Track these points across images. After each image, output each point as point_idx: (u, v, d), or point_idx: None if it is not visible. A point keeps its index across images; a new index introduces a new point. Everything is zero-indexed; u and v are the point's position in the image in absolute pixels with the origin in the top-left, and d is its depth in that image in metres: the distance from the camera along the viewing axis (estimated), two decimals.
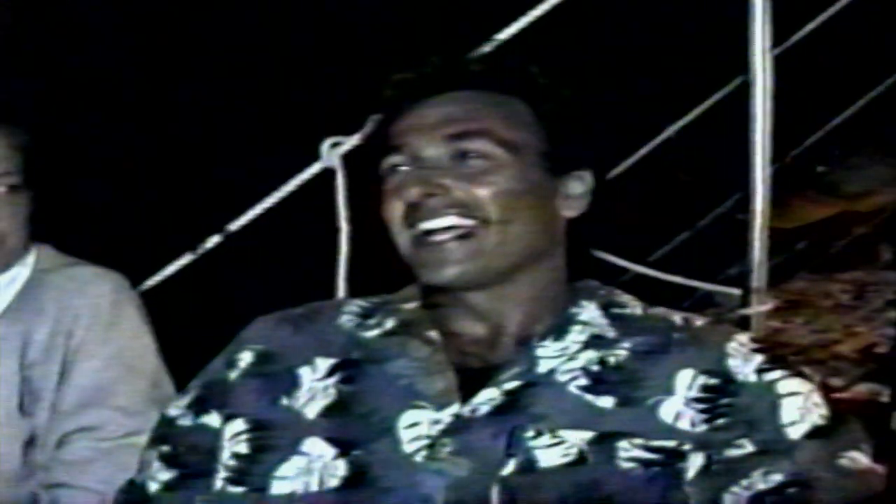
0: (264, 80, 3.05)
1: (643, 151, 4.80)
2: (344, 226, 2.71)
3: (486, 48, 2.63)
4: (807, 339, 6.20)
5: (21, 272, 2.41)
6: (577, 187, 1.78)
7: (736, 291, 3.02)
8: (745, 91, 2.96)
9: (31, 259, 2.43)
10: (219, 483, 1.74)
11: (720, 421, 1.64)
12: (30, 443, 2.30)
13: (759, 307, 2.87)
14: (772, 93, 2.87)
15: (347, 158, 2.72)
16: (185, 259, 2.87)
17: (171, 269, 2.85)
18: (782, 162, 5.30)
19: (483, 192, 1.68)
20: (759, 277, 2.90)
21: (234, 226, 2.86)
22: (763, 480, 1.60)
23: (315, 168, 2.76)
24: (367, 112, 2.66)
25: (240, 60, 3.03)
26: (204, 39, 2.96)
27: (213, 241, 2.87)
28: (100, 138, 3.12)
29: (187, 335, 2.48)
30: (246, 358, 1.84)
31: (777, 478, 1.60)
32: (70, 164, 2.65)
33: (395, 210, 1.72)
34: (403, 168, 1.73)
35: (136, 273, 2.58)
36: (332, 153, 2.73)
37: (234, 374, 1.83)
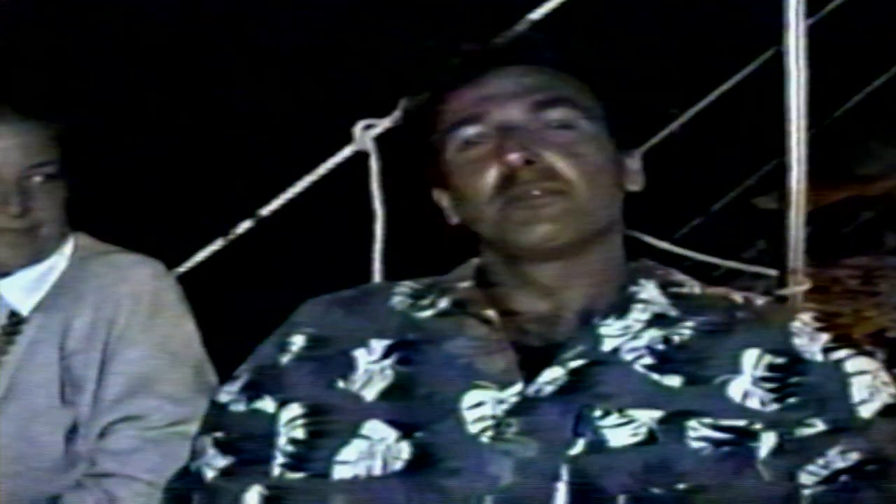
0: (296, 62, 3.02)
1: (664, 132, 4.78)
2: (378, 209, 2.67)
3: (521, 27, 2.59)
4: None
5: (59, 261, 2.38)
6: (635, 164, 1.79)
7: (772, 272, 2.98)
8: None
9: (68, 248, 2.40)
10: (276, 469, 1.71)
11: (791, 400, 1.62)
12: (72, 432, 2.26)
13: (796, 287, 2.84)
14: (807, 65, 2.84)
15: (381, 141, 2.68)
16: (217, 244, 2.83)
17: (202, 255, 2.81)
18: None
19: (573, 163, 1.66)
20: (795, 257, 2.86)
21: (266, 210, 2.82)
22: (841, 459, 1.58)
23: (348, 151, 2.72)
24: (400, 94, 2.64)
25: (272, 41, 2.99)
26: (235, 19, 2.92)
27: (245, 225, 2.83)
28: (129, 124, 3.09)
29: (220, 321, 2.44)
30: (298, 341, 1.81)
31: (854, 456, 1.57)
32: (101, 151, 2.62)
33: (485, 179, 1.68)
34: (487, 138, 1.69)
35: (167, 259, 2.54)
36: (365, 136, 2.69)
37: (286, 358, 1.80)
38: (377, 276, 2.68)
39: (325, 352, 1.78)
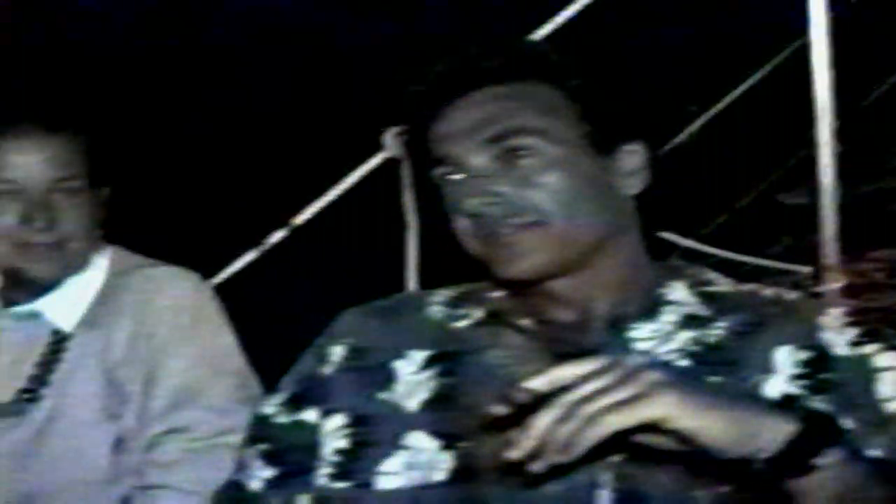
0: (327, 71, 3.02)
1: (692, 128, 4.77)
2: (411, 217, 2.68)
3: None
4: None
5: (97, 276, 2.40)
6: (631, 162, 1.73)
7: (805, 269, 2.99)
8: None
9: (104, 262, 2.42)
10: (322, 479, 1.73)
11: (821, 395, 1.61)
12: (118, 446, 2.28)
13: (832, 284, 2.83)
14: (831, 56, 2.84)
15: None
16: (251, 255, 2.84)
17: (237, 266, 2.83)
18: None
19: (539, 195, 1.65)
20: (829, 253, 2.86)
21: (300, 219, 2.83)
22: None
23: (379, 158, 2.73)
24: None
25: (302, 51, 3.00)
26: (266, 31, 2.93)
27: (279, 235, 2.84)
28: (161, 135, 3.10)
29: (256, 332, 2.44)
30: (338, 352, 1.82)
31: (874, 453, 1.56)
32: (134, 163, 2.63)
33: (460, 223, 1.69)
34: (455, 177, 1.69)
35: (201, 270, 2.54)
36: (396, 143, 2.70)
37: (328, 370, 1.82)
38: (411, 284, 2.69)
39: (365, 362, 1.80)
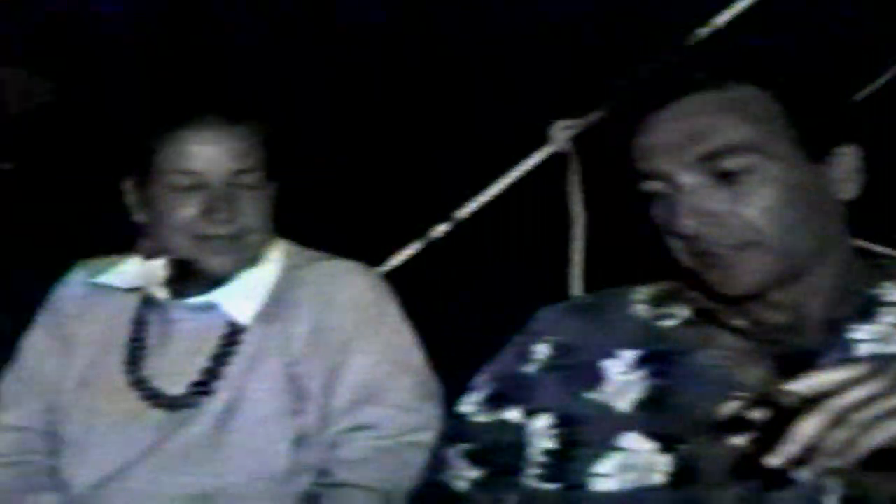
0: (489, 62, 2.99)
1: None
2: (577, 211, 2.65)
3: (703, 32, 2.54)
4: None
5: (272, 269, 2.36)
6: (843, 165, 1.66)
7: None
8: None
9: (278, 256, 2.39)
10: (530, 480, 1.71)
11: None
12: (299, 442, 2.24)
13: None
14: None
15: (579, 141, 2.66)
16: (414, 248, 2.82)
17: (400, 258, 2.81)
18: None
19: (755, 213, 1.59)
20: None
21: (463, 213, 2.81)
22: None
23: (545, 152, 2.69)
24: (596, 94, 2.62)
25: (467, 44, 2.98)
26: (430, 22, 2.91)
27: (442, 228, 2.82)
28: (324, 126, 3.09)
29: (417, 325, 2.41)
30: (543, 350, 1.79)
31: None
32: (299, 155, 2.61)
33: (674, 238, 1.65)
34: (666, 193, 1.64)
35: (364, 263, 2.51)
36: (563, 136, 2.66)
37: (531, 368, 1.78)
38: (576, 281, 2.65)
39: (571, 360, 1.76)
